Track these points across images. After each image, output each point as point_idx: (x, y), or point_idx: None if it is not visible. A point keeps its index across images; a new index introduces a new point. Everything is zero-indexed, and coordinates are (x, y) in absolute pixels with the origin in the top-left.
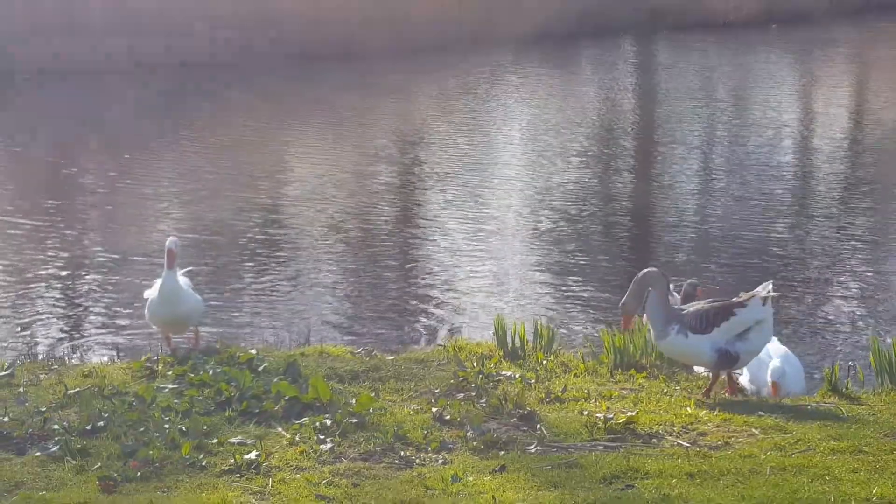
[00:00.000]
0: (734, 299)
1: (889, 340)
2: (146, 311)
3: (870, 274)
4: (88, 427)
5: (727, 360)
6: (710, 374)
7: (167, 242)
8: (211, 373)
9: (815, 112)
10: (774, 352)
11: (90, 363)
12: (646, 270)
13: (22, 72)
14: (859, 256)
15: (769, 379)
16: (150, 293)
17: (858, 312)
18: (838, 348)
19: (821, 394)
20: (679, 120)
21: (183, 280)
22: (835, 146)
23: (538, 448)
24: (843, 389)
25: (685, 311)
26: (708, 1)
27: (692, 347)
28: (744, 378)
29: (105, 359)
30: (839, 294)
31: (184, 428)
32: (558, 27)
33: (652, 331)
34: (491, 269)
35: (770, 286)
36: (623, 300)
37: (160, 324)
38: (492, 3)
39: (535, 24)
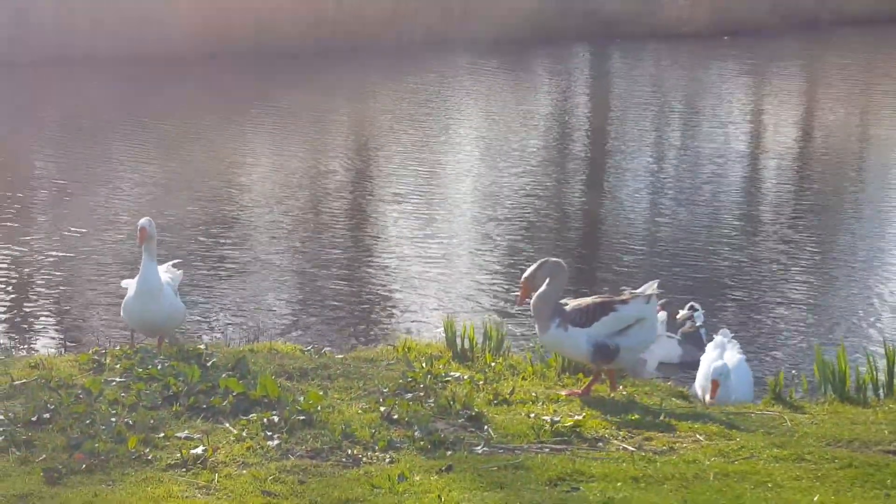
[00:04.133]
0: (617, 297)
1: (833, 350)
2: (122, 306)
3: (816, 284)
4: (34, 418)
5: (605, 353)
6: (603, 371)
7: (140, 221)
8: (159, 367)
9: (765, 124)
10: (729, 359)
11: (37, 354)
12: (553, 260)
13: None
14: (806, 267)
15: (710, 377)
16: (129, 283)
17: (805, 322)
18: (784, 357)
19: (765, 402)
20: (630, 128)
21: (167, 277)
22: (783, 158)
23: (485, 449)
24: (787, 398)
25: (568, 307)
26: (661, 12)
27: (570, 340)
28: (696, 384)
29: (52, 350)
30: (786, 303)
31: (130, 421)
32: (514, 33)
33: (536, 325)
34: (442, 271)
35: (655, 285)
36: (528, 274)
37: (132, 324)
38: (447, 6)
39: (490, 29)
